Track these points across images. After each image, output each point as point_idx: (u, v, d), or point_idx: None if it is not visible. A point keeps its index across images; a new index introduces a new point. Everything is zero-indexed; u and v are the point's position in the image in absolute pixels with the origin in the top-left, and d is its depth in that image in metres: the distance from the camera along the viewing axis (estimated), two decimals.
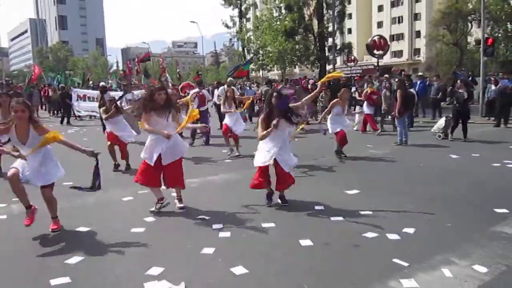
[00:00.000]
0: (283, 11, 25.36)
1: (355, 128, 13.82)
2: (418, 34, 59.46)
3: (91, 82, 30.27)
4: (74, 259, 4.00)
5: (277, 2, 26.47)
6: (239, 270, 3.73)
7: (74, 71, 62.23)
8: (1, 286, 3.61)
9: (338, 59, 54.44)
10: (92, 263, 3.97)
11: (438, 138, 11.48)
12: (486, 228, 4.72)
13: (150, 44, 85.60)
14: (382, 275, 3.62)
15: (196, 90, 11.51)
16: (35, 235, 4.72)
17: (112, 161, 8.36)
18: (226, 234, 4.64)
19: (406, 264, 3.79)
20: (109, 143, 8.34)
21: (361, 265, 3.83)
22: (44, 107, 24.58)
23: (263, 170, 5.60)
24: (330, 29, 22.98)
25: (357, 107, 14.75)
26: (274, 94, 5.56)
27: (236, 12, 37.67)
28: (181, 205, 5.63)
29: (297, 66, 33.87)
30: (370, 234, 4.53)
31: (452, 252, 4.04)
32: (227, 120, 9.77)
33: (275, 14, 27.49)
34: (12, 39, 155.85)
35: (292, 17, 23.22)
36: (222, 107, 10.37)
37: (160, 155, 5.34)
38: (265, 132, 5.48)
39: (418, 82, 17.10)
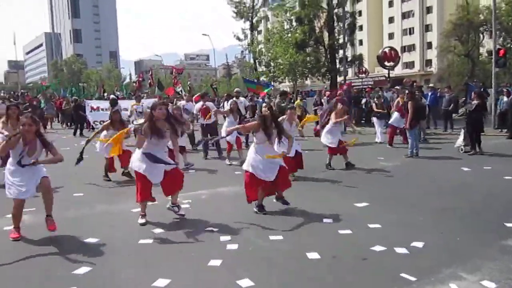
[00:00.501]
0: (294, 23, 25.55)
1: (378, 141, 13.56)
2: (429, 45, 59.33)
3: (105, 94, 30.69)
4: (82, 270, 4.04)
5: (287, 15, 26.70)
6: (245, 282, 3.72)
7: (88, 83, 63.20)
8: None
9: (350, 71, 54.56)
10: (99, 274, 4.00)
11: (461, 151, 11.22)
12: (496, 242, 4.66)
13: (163, 56, 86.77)
14: None
15: (201, 103, 11.52)
16: (44, 245, 4.78)
17: (108, 173, 8.55)
18: (234, 246, 4.65)
19: (414, 279, 3.75)
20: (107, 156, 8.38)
21: (369, 279, 3.81)
22: (58, 119, 24.86)
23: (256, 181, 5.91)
24: (341, 41, 23.04)
25: (374, 118, 14.60)
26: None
27: (247, 24, 37.99)
28: (182, 212, 5.73)
29: (308, 78, 33.93)
30: (378, 248, 4.50)
31: (461, 267, 3.99)
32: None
33: (286, 26, 27.71)
34: (28, 53, 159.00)
35: (302, 29, 23.37)
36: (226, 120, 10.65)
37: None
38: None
39: (429, 94, 17.00)
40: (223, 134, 10.02)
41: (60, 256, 4.47)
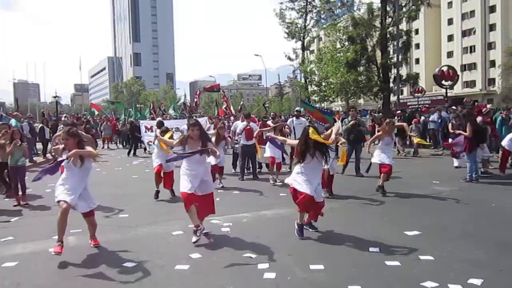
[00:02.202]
0: (346, 43, 25.19)
1: (455, 165, 12.15)
2: (492, 63, 56.53)
3: (163, 110, 31.23)
4: None
5: (339, 34, 26.40)
6: None
7: (145, 104, 65.73)
8: None
9: (405, 90, 52.95)
10: None
11: None
12: None
13: (216, 77, 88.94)
14: None
15: (244, 123, 11.41)
16: (84, 267, 4.79)
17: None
18: (271, 275, 4.41)
19: None
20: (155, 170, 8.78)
21: None
22: (112, 140, 25.53)
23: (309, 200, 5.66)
24: (395, 59, 22.39)
25: (450, 140, 13.21)
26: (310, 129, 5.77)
27: (299, 44, 38.02)
28: (206, 231, 5.87)
29: (361, 97, 33.22)
30: (429, 284, 4.09)
31: None
32: (270, 151, 10.20)
33: (338, 46, 27.38)
34: (92, 76, 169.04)
35: (354, 48, 22.98)
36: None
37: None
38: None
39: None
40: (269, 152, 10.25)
41: (97, 280, 4.44)
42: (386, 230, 6.08)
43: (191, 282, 4.33)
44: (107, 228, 6.36)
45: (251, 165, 11.49)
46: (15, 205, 8.24)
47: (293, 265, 4.73)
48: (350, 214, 7.28)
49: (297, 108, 15.65)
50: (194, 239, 5.53)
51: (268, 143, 9.92)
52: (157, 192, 8.67)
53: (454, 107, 17.91)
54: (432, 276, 4.25)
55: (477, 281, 4.13)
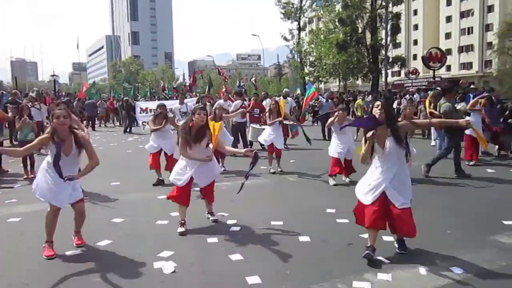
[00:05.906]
0: (337, 24, 25.68)
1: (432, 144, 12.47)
2: (490, 45, 56.81)
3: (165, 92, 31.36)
4: (104, 242, 4.80)
5: (332, 15, 26.88)
6: (235, 257, 4.32)
7: (143, 83, 66.11)
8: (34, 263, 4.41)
9: (403, 71, 53.48)
10: (117, 245, 4.73)
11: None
12: (485, 238, 4.87)
13: (215, 57, 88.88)
14: (362, 269, 4.01)
15: (239, 101, 11.97)
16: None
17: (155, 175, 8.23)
18: (236, 228, 5.27)
19: (387, 261, 4.17)
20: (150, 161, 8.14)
21: (343, 258, 4.30)
22: (108, 118, 26.13)
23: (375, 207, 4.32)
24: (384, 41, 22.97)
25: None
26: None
27: (295, 25, 38.41)
28: (214, 217, 5.61)
29: (359, 78, 33.78)
30: (366, 235, 4.86)
31: (437, 255, 4.31)
32: (268, 135, 9.13)
33: (331, 27, 27.89)
34: (90, 55, 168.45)
35: (344, 30, 23.49)
36: (267, 120, 9.32)
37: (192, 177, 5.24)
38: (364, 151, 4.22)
39: (472, 95, 16.53)
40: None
41: (88, 232, 5.06)
42: (343, 194, 6.81)
43: (169, 232, 5.13)
44: (100, 194, 7.16)
45: (242, 143, 11.97)
46: (25, 178, 8.73)
47: (257, 221, 5.54)
48: (338, 190, 7.77)
49: (285, 90, 16.26)
50: (180, 229, 5.12)
51: (268, 127, 9.18)
52: (160, 180, 8.03)
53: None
54: None
55: None
